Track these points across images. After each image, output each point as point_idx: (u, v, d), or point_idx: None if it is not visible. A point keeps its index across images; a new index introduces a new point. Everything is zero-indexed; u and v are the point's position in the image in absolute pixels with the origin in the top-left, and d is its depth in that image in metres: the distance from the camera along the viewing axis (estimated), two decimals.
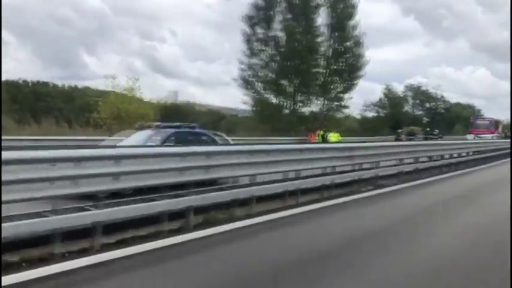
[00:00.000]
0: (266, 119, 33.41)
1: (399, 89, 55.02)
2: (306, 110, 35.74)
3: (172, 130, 9.57)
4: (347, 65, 36.08)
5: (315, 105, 35.84)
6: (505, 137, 34.58)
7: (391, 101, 51.81)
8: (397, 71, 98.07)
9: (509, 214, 6.35)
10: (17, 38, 65.86)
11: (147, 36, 78.11)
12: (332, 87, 36.04)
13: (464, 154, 17.42)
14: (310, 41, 33.94)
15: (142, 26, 71.42)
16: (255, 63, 34.15)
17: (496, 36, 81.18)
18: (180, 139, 9.03)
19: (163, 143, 8.63)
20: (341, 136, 25.70)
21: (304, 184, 7.74)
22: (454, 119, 54.54)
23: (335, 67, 35.87)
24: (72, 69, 60.12)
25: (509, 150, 21.31)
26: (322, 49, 35.45)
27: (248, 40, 33.90)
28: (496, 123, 40.58)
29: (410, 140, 26.74)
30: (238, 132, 27.37)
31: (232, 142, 11.61)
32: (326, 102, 36.13)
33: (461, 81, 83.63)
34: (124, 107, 22.75)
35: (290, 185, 7.43)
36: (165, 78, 78.51)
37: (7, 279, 3.56)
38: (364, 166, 10.39)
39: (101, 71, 66.86)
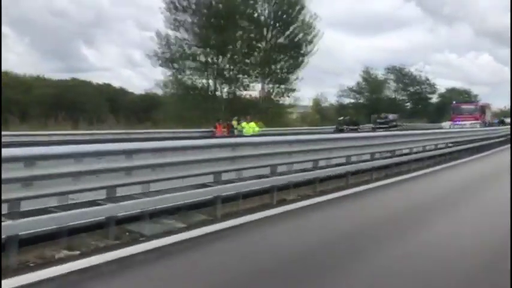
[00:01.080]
0: (189, 106, 27.43)
1: (380, 71, 50.03)
2: (245, 93, 29.74)
3: None
4: (293, 38, 29.86)
5: (254, 89, 29.84)
6: (489, 125, 29.79)
7: (370, 85, 46.94)
8: (399, 59, 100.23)
9: None
10: (14, 30, 63.27)
11: (146, 27, 77.32)
12: (277, 67, 29.89)
13: (432, 147, 13.46)
14: (245, 4, 28.16)
15: (141, 17, 69.26)
16: (175, 35, 27.88)
17: (498, 21, 78.07)
18: None
19: None
20: (265, 127, 20.56)
21: None
22: (446, 104, 50.40)
23: (278, 40, 29.82)
24: (71, 61, 58.96)
25: (498, 140, 17.67)
26: (262, 18, 29.36)
27: (169, 8, 27.75)
28: (482, 109, 34.88)
29: (352, 131, 22.03)
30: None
31: None
32: (268, 83, 29.85)
33: (464, 67, 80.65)
34: None
35: None
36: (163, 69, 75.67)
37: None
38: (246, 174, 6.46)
39: (100, 63, 62.92)
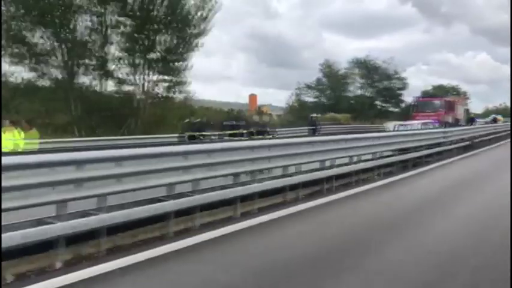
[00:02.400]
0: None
1: (343, 65, 44.31)
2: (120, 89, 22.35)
3: None
4: (169, 13, 21.55)
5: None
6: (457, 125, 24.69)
7: (332, 81, 41.94)
8: (398, 59, 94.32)
9: None
10: None
11: None
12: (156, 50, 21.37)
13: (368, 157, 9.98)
14: None
15: None
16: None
17: (495, 20, 76.61)
18: None
19: None
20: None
21: None
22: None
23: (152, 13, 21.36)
24: None
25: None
26: None
27: None
28: (449, 105, 28.46)
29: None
30: None
31: None
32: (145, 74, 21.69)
33: (462, 67, 79.26)
34: None
35: None
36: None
37: None
38: None
39: None
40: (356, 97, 42.77)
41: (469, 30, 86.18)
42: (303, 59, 78.74)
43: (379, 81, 43.84)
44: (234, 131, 15.86)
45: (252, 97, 38.96)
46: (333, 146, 8.81)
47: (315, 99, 41.81)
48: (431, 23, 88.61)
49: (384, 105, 43.20)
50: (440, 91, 47.13)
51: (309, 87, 41.70)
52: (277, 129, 20.12)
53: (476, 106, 65.21)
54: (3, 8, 18.90)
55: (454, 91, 56.31)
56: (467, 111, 49.05)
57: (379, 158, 10.43)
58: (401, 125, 20.54)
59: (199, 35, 22.88)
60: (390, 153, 11.28)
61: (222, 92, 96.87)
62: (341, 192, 7.82)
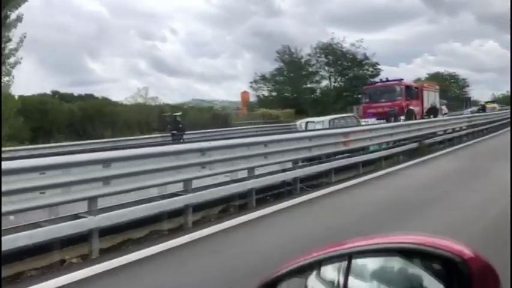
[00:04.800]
0: None
1: (306, 51, 37.68)
2: None
3: None
4: None
5: None
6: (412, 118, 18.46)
7: (292, 71, 36.11)
8: (403, 51, 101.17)
9: None
10: (21, 49, 57.22)
11: (148, 36, 78.74)
12: None
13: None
14: None
15: (142, 26, 73.89)
16: None
17: (500, 6, 73.04)
18: None
19: None
20: None
21: None
22: None
23: None
24: (78, 75, 59.92)
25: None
26: None
27: None
28: (411, 91, 21.16)
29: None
30: None
31: None
32: None
33: (470, 55, 76.52)
34: None
35: None
36: (169, 77, 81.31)
37: None
38: None
39: (106, 74, 66.97)
40: (321, 88, 37.65)
41: (475, 19, 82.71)
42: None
43: (349, 69, 38.00)
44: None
45: (244, 94, 34.65)
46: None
47: (274, 93, 36.64)
48: (436, 12, 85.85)
49: (355, 96, 37.80)
50: (436, 80, 42.88)
51: (264, 78, 36.34)
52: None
53: (485, 94, 63.25)
54: None
55: (452, 79, 52.73)
56: (468, 99, 44.38)
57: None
58: (309, 122, 14.34)
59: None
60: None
61: (228, 91, 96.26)
62: None
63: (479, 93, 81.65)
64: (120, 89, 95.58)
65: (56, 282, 3.58)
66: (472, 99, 46.60)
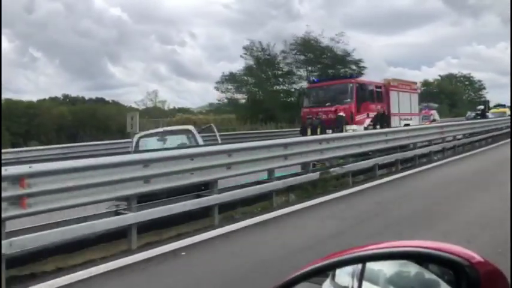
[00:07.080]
0: None
1: (279, 48, 32.67)
2: None
3: None
4: None
5: None
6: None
7: (264, 71, 31.82)
8: (426, 54, 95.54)
9: None
10: (44, 53, 65.30)
11: (168, 41, 77.79)
12: None
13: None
14: None
15: (162, 31, 72.85)
16: None
17: None
18: None
19: None
20: None
21: None
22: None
23: None
24: (99, 79, 61.40)
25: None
26: None
27: None
28: (367, 92, 14.98)
29: None
30: None
31: None
32: None
33: (495, 58, 75.45)
34: None
35: None
36: (189, 81, 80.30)
37: None
38: None
39: (127, 79, 65.16)
40: (297, 90, 30.69)
41: (500, 21, 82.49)
42: None
43: (332, 67, 32.86)
44: None
45: None
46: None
47: (237, 96, 32.08)
48: (459, 15, 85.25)
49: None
50: (449, 81, 41.10)
51: (226, 80, 31.52)
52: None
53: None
54: None
55: (467, 81, 50.32)
56: (486, 102, 36.24)
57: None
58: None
59: None
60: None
61: None
62: None
63: (505, 97, 79.50)
64: (139, 92, 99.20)
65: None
66: (489, 103, 37.98)
